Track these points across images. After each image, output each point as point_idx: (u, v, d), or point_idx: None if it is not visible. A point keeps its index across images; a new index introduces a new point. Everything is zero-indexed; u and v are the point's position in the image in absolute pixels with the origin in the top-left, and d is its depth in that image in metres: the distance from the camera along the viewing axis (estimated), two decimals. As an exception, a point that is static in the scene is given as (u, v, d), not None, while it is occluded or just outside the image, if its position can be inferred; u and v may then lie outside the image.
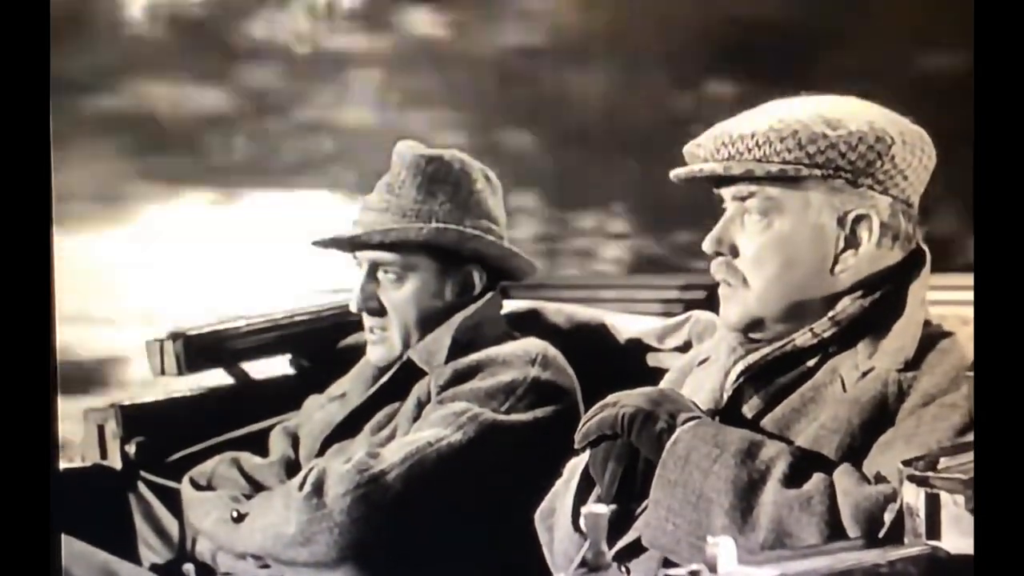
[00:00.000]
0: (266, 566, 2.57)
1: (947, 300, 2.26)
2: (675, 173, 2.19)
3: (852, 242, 2.14)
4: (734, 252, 2.16)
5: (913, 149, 2.14)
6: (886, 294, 2.14)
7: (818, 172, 2.10)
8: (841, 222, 2.13)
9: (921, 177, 2.17)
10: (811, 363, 2.14)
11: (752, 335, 2.18)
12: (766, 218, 2.14)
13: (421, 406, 2.64)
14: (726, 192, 2.17)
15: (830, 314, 2.13)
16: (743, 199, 2.14)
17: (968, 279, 1.95)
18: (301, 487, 2.52)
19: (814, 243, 2.14)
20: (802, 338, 2.14)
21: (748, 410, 2.14)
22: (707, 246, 2.17)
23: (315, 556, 2.49)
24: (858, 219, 2.13)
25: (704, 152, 2.17)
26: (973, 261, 1.79)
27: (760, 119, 2.14)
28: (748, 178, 2.13)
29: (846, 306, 2.13)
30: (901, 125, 2.15)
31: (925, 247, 2.19)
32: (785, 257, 2.14)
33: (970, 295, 1.85)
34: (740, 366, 2.16)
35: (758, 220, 2.14)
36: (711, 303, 2.80)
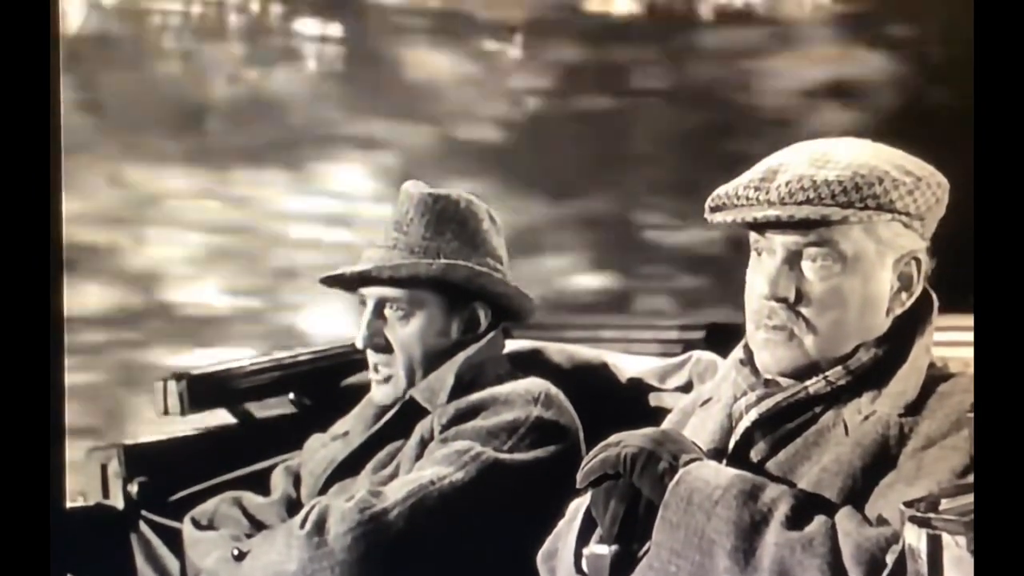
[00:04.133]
0: (267, 605, 2.56)
1: (951, 341, 2.28)
2: (742, 217, 2.13)
3: (905, 284, 2.16)
4: (798, 298, 2.13)
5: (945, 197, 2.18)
6: (897, 343, 2.15)
7: (888, 216, 2.11)
8: (896, 264, 2.15)
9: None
10: (817, 409, 2.15)
11: (783, 381, 2.17)
12: (836, 263, 2.11)
13: (424, 444, 2.64)
14: (778, 237, 2.13)
15: (846, 363, 2.14)
16: (807, 245, 2.12)
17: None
18: (302, 525, 2.52)
19: (876, 286, 2.14)
20: (816, 386, 2.15)
21: (755, 454, 2.14)
22: (766, 292, 2.13)
23: (316, 595, 2.49)
24: (909, 261, 2.15)
25: (770, 196, 2.11)
26: (973, 303, 1.81)
27: (839, 164, 2.12)
28: (823, 224, 2.10)
29: (860, 355, 2.14)
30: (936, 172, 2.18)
31: (934, 294, 2.21)
32: (853, 301, 2.13)
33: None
34: (753, 413, 2.16)
35: (828, 265, 2.12)
36: (710, 343, 2.82)
